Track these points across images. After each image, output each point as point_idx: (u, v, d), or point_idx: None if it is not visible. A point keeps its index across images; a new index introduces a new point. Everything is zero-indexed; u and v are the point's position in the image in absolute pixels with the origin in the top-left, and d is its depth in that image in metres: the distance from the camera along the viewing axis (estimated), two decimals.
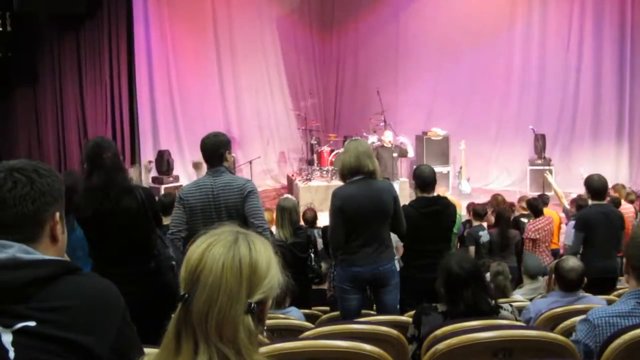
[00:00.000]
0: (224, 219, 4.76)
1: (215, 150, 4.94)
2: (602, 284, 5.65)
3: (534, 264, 6.84)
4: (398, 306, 5.56)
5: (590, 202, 6.59)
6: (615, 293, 5.03)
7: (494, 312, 3.78)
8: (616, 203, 8.43)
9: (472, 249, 8.05)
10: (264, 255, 1.71)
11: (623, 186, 9.83)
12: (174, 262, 4.49)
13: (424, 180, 5.65)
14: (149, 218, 4.46)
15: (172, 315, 1.67)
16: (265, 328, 1.76)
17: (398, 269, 5.84)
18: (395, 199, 5.13)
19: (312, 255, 6.47)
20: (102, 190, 4.27)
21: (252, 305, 1.64)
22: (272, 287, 1.71)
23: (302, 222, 7.49)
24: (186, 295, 1.63)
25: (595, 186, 6.43)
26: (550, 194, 11.16)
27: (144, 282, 4.12)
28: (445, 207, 5.63)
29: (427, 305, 3.88)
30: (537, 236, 8.09)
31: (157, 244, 4.51)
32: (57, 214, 1.91)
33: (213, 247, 1.66)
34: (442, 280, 3.82)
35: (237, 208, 4.84)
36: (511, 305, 3.99)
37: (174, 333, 1.64)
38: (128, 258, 4.35)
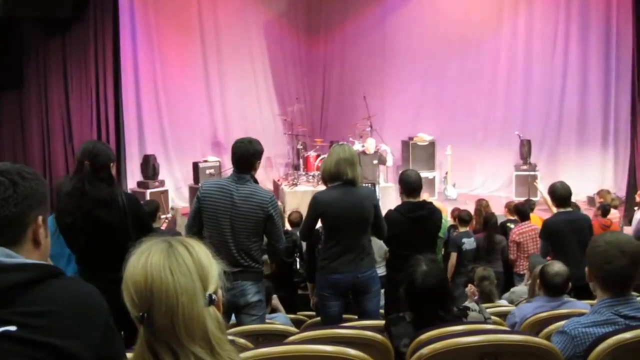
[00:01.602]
0: (238, 228, 4.75)
1: (248, 158, 4.85)
2: (575, 292, 5.60)
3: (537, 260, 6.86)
4: (382, 311, 5.57)
5: (556, 210, 6.58)
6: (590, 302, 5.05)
7: (463, 316, 3.78)
8: (606, 210, 8.46)
9: (454, 255, 8.07)
10: (201, 250, 1.75)
11: (608, 192, 9.91)
12: None
13: (409, 185, 5.65)
14: (127, 228, 4.36)
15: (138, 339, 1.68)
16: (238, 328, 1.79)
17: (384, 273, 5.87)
18: (376, 206, 5.14)
19: (298, 260, 6.47)
20: (76, 200, 4.23)
21: (212, 296, 1.68)
22: (219, 276, 1.75)
23: (288, 225, 7.49)
24: (145, 315, 1.64)
25: (559, 193, 6.42)
26: (535, 199, 11.21)
27: (115, 290, 4.06)
28: (431, 213, 5.62)
29: (394, 315, 3.84)
30: (521, 240, 8.14)
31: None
32: (40, 218, 1.90)
33: (151, 259, 1.68)
34: (405, 290, 3.76)
35: (256, 220, 4.77)
36: (477, 304, 3.99)
37: (149, 352, 1.64)
38: (102, 265, 4.30)
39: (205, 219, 4.82)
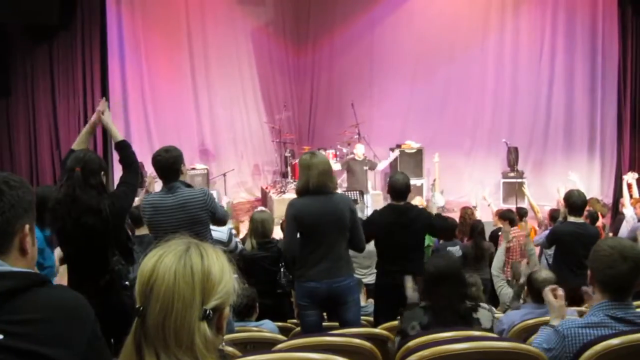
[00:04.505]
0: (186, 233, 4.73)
1: (171, 166, 4.92)
2: (571, 299, 5.65)
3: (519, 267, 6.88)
4: (371, 319, 5.57)
5: (568, 217, 6.57)
6: (586, 305, 5.06)
7: (473, 310, 3.84)
8: (594, 217, 8.46)
9: None
10: (217, 262, 1.73)
11: (597, 200, 9.90)
12: (127, 282, 4.41)
13: (395, 189, 5.70)
14: (109, 236, 4.38)
15: (130, 329, 1.68)
16: (224, 337, 1.77)
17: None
18: (353, 211, 5.08)
19: (282, 270, 6.42)
20: (65, 206, 4.22)
21: (207, 311, 1.66)
22: (228, 294, 1.73)
23: (280, 233, 7.47)
24: (141, 308, 1.64)
25: (573, 201, 6.41)
26: (524, 205, 11.22)
27: (101, 296, 4.06)
28: (414, 218, 5.64)
29: (413, 302, 3.96)
30: (509, 244, 8.13)
31: (112, 261, 4.42)
32: (27, 226, 1.89)
33: (164, 258, 1.68)
34: (422, 280, 3.94)
35: (202, 220, 4.90)
36: (488, 304, 4.05)
37: (134, 346, 1.65)
38: (89, 272, 4.31)
39: (157, 237, 4.88)
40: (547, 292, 3.45)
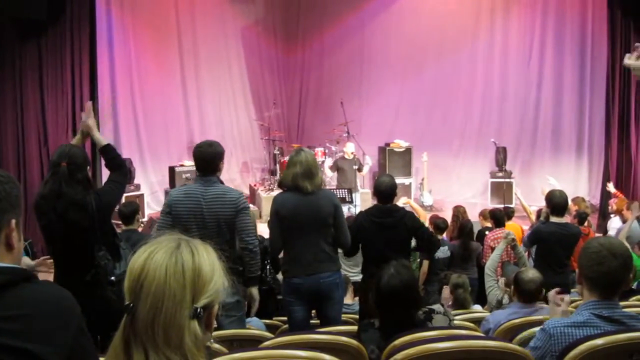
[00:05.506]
0: (212, 230, 4.72)
1: (212, 161, 4.87)
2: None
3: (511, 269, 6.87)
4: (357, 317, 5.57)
5: (550, 217, 6.57)
6: (572, 305, 5.08)
7: (428, 320, 3.79)
8: (582, 218, 8.48)
9: (425, 263, 8.05)
10: (208, 260, 1.71)
11: (583, 199, 9.91)
12: (113, 278, 4.38)
13: (380, 192, 5.65)
14: (95, 232, 4.35)
15: (119, 326, 1.67)
16: (212, 335, 1.76)
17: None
18: (337, 207, 5.11)
19: (268, 267, 6.41)
20: (51, 201, 4.21)
21: (198, 310, 1.64)
22: (218, 291, 1.71)
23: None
24: (131, 305, 1.63)
25: (556, 201, 6.39)
26: (511, 206, 11.26)
27: (88, 292, 4.03)
28: (399, 220, 5.58)
29: (366, 322, 3.84)
30: (495, 245, 8.15)
31: (98, 256, 4.38)
32: (13, 221, 1.87)
33: (155, 255, 1.66)
34: (374, 294, 3.79)
35: (227, 220, 4.78)
36: (442, 305, 4.01)
37: (122, 343, 1.64)
38: (75, 268, 4.29)
39: (176, 225, 4.79)
40: (553, 296, 3.46)
